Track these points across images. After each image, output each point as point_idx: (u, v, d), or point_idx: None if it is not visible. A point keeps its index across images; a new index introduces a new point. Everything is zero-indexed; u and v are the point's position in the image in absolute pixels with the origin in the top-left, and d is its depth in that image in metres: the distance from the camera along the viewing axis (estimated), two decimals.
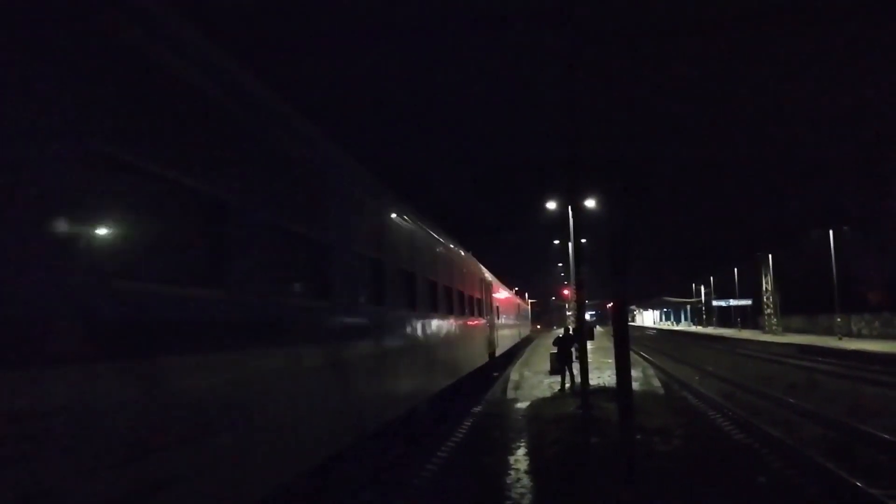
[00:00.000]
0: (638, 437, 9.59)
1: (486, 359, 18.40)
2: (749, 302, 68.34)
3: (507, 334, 26.36)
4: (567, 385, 17.79)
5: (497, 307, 21.82)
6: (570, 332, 19.10)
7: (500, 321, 22.49)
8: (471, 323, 15.08)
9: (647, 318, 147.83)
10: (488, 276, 20.16)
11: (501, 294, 25.15)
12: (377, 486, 7.96)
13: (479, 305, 16.85)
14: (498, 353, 21.60)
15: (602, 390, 16.62)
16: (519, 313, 33.15)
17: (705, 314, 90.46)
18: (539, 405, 15.73)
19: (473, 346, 15.62)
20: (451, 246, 13.05)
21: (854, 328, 44.23)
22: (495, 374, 23.26)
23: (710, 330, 73.89)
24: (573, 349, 18.44)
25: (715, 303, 79.62)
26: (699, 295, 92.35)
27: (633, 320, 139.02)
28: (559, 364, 18.53)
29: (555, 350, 19.80)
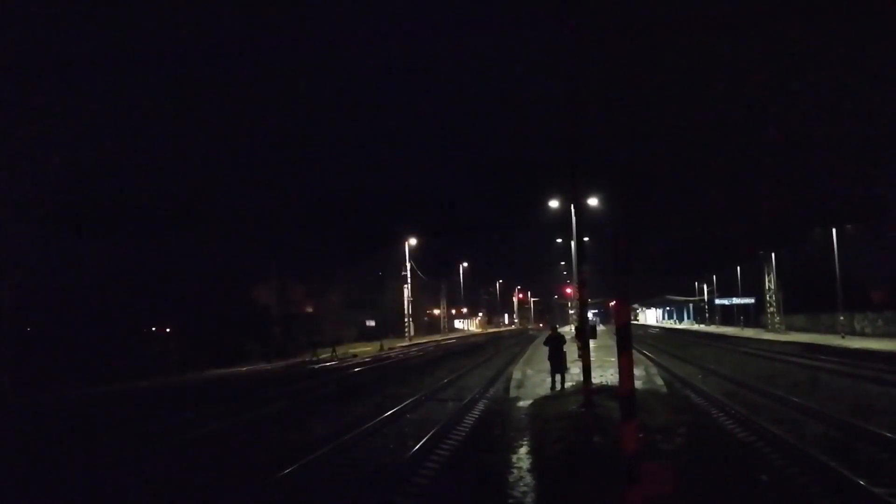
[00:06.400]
0: (640, 435, 9.57)
1: None
2: (752, 300, 68.17)
3: None
4: (558, 388, 17.83)
5: None
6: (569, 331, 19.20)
7: None
8: None
9: (650, 317, 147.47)
10: None
11: None
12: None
13: None
14: None
15: (604, 389, 16.60)
16: None
17: (708, 312, 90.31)
18: (541, 403, 15.73)
19: None
20: None
21: (857, 326, 44.10)
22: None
23: (712, 328, 73.77)
24: (565, 348, 18.60)
25: (718, 301, 79.41)
26: (702, 293, 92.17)
27: (636, 319, 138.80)
28: (550, 363, 18.53)
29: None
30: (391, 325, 70.29)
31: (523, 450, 10.78)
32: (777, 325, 55.07)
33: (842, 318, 42.14)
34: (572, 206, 17.97)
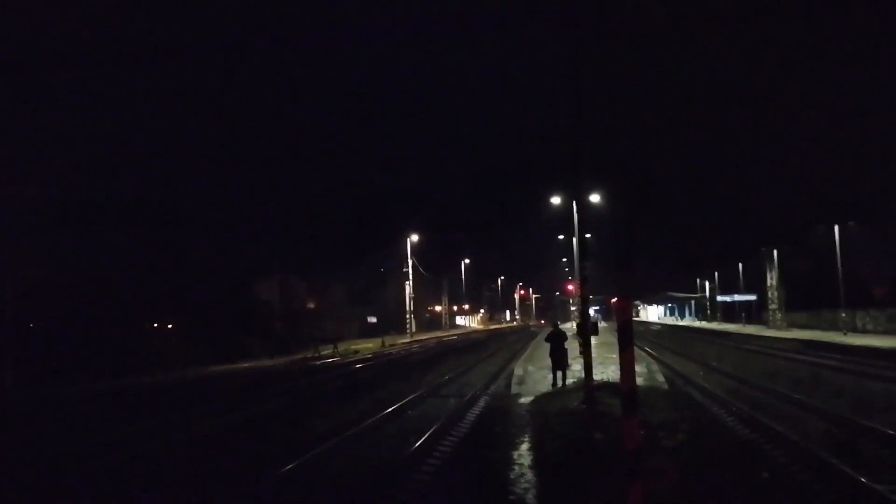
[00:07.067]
0: (641, 432, 9.57)
1: None
2: (754, 297, 68.11)
3: None
4: (559, 384, 17.86)
5: None
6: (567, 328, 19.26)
7: None
8: None
9: (652, 314, 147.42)
10: None
11: None
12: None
13: None
14: None
15: (606, 385, 16.61)
16: None
17: (710, 309, 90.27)
18: (542, 400, 15.74)
19: None
20: None
21: (859, 324, 44.04)
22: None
23: (714, 325, 73.77)
24: (567, 345, 18.64)
25: (719, 298, 79.35)
26: (704, 290, 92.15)
27: (637, 315, 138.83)
28: (551, 359, 18.57)
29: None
30: (393, 322, 70.36)
31: (525, 446, 10.79)
32: (779, 322, 55.03)
33: (844, 315, 42.09)
34: (574, 202, 17.95)
